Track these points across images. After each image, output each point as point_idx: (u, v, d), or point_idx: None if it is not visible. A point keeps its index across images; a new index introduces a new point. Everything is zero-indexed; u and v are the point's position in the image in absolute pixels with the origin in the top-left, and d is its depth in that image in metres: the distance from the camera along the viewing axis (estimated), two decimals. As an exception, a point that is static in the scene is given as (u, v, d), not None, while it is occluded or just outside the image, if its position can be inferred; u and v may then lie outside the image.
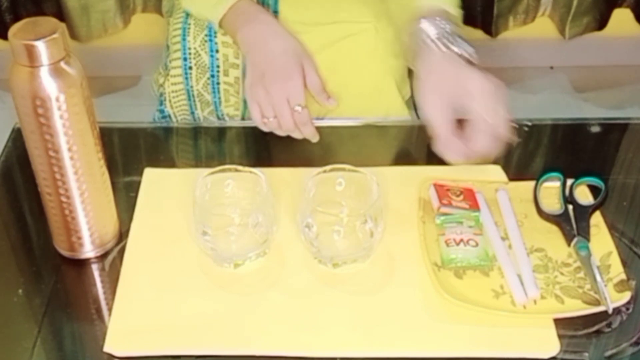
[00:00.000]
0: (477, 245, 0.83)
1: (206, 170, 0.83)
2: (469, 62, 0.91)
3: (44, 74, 0.72)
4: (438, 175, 0.92)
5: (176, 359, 0.74)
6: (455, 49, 0.91)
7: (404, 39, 0.97)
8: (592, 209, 0.87)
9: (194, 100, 1.18)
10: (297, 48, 1.02)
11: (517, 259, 0.82)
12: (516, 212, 0.88)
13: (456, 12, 0.99)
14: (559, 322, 0.76)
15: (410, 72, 1.27)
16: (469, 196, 0.88)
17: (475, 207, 0.87)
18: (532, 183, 0.91)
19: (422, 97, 0.91)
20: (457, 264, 0.81)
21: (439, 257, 0.82)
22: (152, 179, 0.94)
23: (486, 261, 0.82)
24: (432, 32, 0.92)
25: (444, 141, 0.88)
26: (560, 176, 0.91)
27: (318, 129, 1.01)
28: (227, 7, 1.06)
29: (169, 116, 1.20)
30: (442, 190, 0.88)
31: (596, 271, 0.79)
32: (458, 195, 0.88)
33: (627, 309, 0.78)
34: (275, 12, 1.13)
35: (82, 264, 0.84)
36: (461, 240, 0.83)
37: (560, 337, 0.75)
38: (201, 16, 1.12)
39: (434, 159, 0.91)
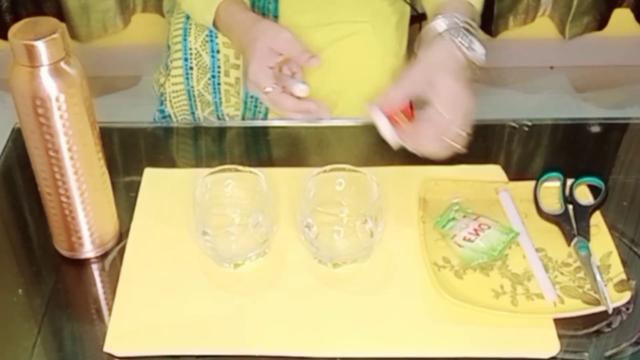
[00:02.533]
0: (490, 227, 0.83)
1: (206, 170, 0.83)
2: (471, 63, 0.91)
3: (44, 74, 0.72)
4: (438, 175, 0.92)
5: (176, 359, 0.74)
6: (460, 41, 0.90)
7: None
8: (592, 209, 0.87)
9: (195, 101, 1.18)
10: (258, 32, 0.98)
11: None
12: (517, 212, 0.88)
13: (478, 5, 0.98)
14: (559, 322, 0.76)
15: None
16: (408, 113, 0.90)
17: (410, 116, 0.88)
18: (532, 183, 0.91)
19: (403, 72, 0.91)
20: (491, 253, 0.81)
21: (439, 258, 0.83)
22: (152, 179, 0.94)
23: (510, 233, 0.83)
24: (444, 24, 0.91)
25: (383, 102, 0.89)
26: (560, 176, 0.91)
27: (318, 129, 1.01)
28: (213, 12, 1.05)
29: (169, 116, 1.20)
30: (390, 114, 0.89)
31: (596, 271, 0.79)
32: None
33: (627, 309, 0.78)
34: (276, 17, 1.13)
35: (82, 264, 0.84)
36: (474, 230, 0.83)
37: (560, 337, 0.75)
38: (198, 22, 1.13)
39: (434, 159, 0.91)
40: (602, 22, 2.14)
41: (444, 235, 0.85)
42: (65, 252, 0.84)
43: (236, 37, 1.03)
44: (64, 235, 0.83)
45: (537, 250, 0.84)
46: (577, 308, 0.77)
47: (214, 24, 1.07)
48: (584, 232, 0.84)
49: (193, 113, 1.19)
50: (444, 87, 0.87)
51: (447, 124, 0.86)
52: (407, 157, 0.89)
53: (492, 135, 1.04)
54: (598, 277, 0.79)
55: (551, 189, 0.90)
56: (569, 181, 0.91)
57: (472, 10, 0.96)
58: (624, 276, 0.80)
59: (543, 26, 2.18)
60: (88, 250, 0.84)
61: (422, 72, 0.89)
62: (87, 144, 0.78)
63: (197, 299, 0.80)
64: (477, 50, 0.91)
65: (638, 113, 2.15)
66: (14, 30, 0.72)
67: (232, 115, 1.18)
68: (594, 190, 0.90)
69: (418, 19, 1.34)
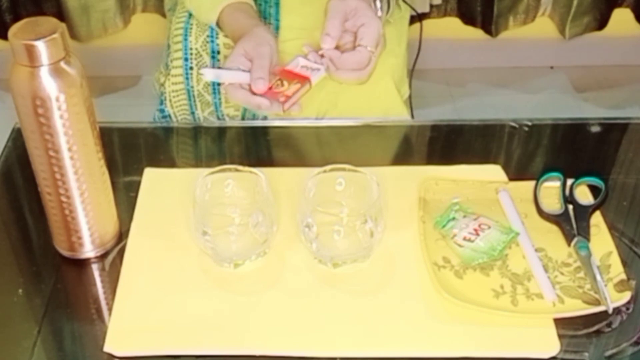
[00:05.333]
0: (490, 227, 0.83)
1: (206, 170, 0.83)
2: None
3: (44, 74, 0.72)
4: (438, 175, 0.92)
5: (176, 359, 0.74)
6: None
7: None
8: (592, 208, 0.87)
9: (195, 101, 1.18)
10: (246, 35, 0.99)
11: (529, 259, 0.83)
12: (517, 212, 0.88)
13: None
14: (559, 322, 0.76)
15: (409, 72, 1.27)
16: (290, 76, 0.93)
17: (302, 79, 0.93)
18: (532, 183, 0.91)
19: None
20: (491, 253, 0.81)
21: (439, 258, 0.83)
22: (152, 179, 0.94)
23: (510, 233, 0.82)
24: None
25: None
26: (560, 176, 0.91)
27: (318, 129, 1.01)
28: (217, 12, 1.06)
29: (169, 116, 1.20)
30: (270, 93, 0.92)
31: (596, 271, 0.79)
32: (282, 85, 0.93)
33: (627, 309, 0.78)
34: (277, 21, 1.13)
35: (82, 264, 0.84)
36: (474, 230, 0.83)
37: (560, 337, 0.75)
38: (202, 20, 1.13)
39: (434, 159, 0.91)
40: (602, 22, 2.14)
41: (444, 235, 0.85)
42: (65, 252, 0.84)
43: (236, 40, 1.04)
44: (64, 235, 0.83)
45: (537, 250, 0.84)
46: (577, 308, 0.78)
47: (217, 24, 1.07)
48: (584, 232, 0.84)
49: (193, 113, 1.19)
50: (372, 27, 0.96)
51: (370, 56, 0.95)
52: (406, 157, 0.89)
53: (492, 135, 1.04)
54: (598, 277, 0.79)
55: (551, 189, 0.90)
56: (569, 181, 0.91)
57: None
58: (624, 276, 0.80)
59: (543, 26, 2.18)
60: (88, 250, 0.84)
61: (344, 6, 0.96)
62: (87, 144, 0.78)
63: (197, 299, 0.80)
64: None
65: (638, 113, 2.15)
66: (14, 30, 0.72)
67: (232, 115, 1.18)
68: (594, 190, 0.90)
69: (418, 19, 1.34)
